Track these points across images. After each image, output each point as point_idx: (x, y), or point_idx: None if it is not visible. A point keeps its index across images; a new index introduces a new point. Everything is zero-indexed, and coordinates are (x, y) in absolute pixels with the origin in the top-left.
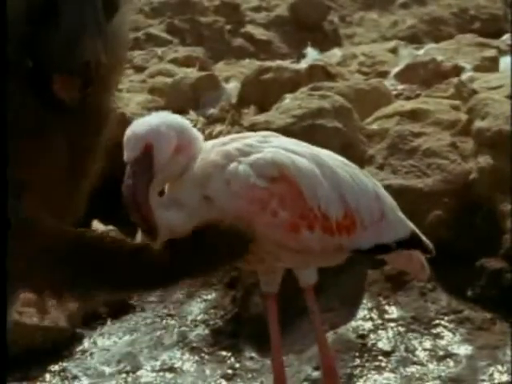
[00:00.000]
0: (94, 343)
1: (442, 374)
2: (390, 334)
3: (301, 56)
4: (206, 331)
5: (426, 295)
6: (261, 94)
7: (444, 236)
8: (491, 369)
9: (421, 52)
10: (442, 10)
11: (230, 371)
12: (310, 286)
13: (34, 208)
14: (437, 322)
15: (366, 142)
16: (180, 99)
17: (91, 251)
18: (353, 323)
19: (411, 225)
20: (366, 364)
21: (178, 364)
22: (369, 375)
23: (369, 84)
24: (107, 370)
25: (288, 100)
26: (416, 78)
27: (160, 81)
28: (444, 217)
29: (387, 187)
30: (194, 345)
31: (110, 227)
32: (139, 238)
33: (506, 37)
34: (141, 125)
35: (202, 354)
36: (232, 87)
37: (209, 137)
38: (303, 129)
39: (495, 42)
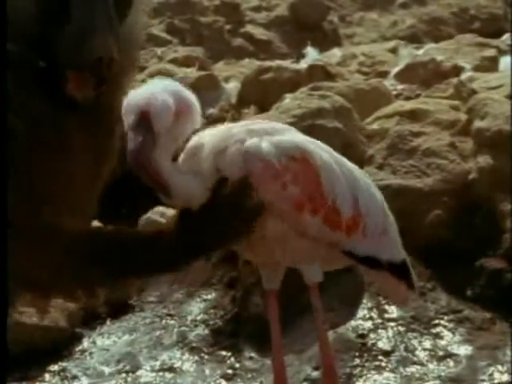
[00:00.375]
0: (94, 343)
1: (442, 374)
2: (390, 333)
3: (301, 56)
4: (206, 331)
5: (426, 295)
6: (261, 94)
7: (444, 236)
8: (491, 369)
9: (420, 52)
10: (442, 9)
11: (229, 371)
12: (315, 283)
13: (54, 212)
14: (436, 321)
15: (365, 141)
16: None
17: (113, 244)
18: (353, 323)
19: (405, 253)
20: (366, 364)
21: (177, 364)
22: (368, 375)
23: (369, 84)
24: (107, 369)
25: (288, 100)
26: (416, 77)
27: None
28: (444, 217)
29: (387, 187)
30: (194, 345)
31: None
32: None
33: (505, 37)
34: (136, 93)
35: (202, 354)
36: (232, 87)
37: None
38: (303, 129)
39: (495, 41)
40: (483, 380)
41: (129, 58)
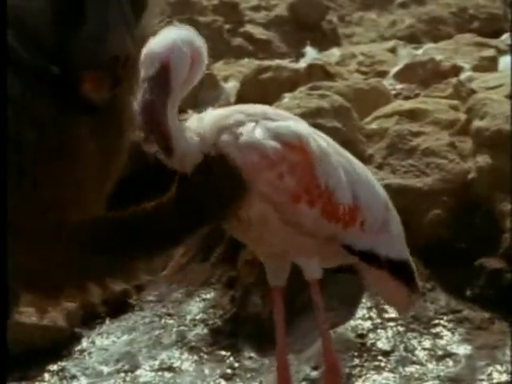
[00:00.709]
0: (93, 343)
1: (441, 374)
2: (390, 333)
3: (300, 55)
4: (205, 331)
5: (425, 295)
6: (260, 94)
7: (443, 235)
8: (490, 368)
9: (420, 52)
10: (441, 9)
11: (229, 371)
12: (315, 280)
13: (62, 212)
14: (436, 321)
15: (365, 141)
16: None
17: (113, 227)
18: (352, 322)
19: (408, 255)
20: (365, 364)
21: (176, 363)
22: (368, 375)
23: (368, 84)
24: (106, 369)
25: (287, 99)
26: (415, 77)
27: None
28: (443, 216)
29: (386, 187)
30: (193, 344)
31: None
32: None
33: (505, 36)
34: (157, 42)
35: (201, 354)
36: (231, 86)
37: None
38: None
39: (494, 41)
40: (482, 380)
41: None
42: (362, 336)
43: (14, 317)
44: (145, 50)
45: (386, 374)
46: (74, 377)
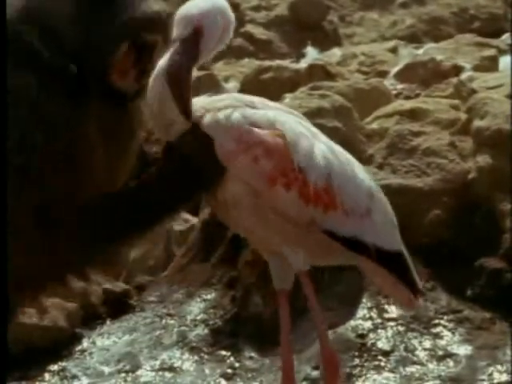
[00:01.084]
0: (94, 343)
1: (442, 374)
2: (390, 333)
3: (300, 55)
4: (206, 331)
5: (426, 295)
6: (260, 94)
7: (443, 235)
8: (490, 368)
9: (420, 52)
10: (442, 9)
11: (229, 371)
12: (303, 272)
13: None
14: (436, 321)
15: (365, 141)
16: None
17: (102, 207)
18: (352, 322)
19: (403, 249)
20: (366, 363)
21: (177, 364)
22: (368, 375)
23: (368, 83)
24: (106, 369)
25: (288, 99)
26: (415, 77)
27: None
28: (443, 216)
29: (387, 186)
30: (194, 344)
31: None
32: None
33: (505, 36)
34: (194, 6)
35: (202, 354)
36: (231, 87)
37: None
38: None
39: (495, 41)
40: (483, 380)
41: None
42: (362, 336)
43: (17, 317)
44: (181, 10)
45: (386, 374)
46: (74, 377)
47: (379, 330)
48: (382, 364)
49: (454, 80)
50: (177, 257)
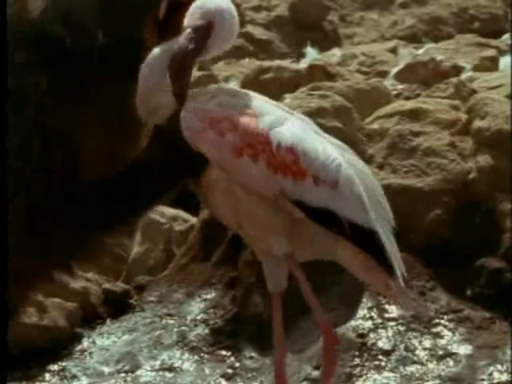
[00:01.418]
0: (94, 343)
1: (442, 374)
2: (390, 333)
3: (300, 56)
4: (206, 331)
5: (426, 294)
6: (260, 94)
7: (443, 235)
8: (491, 368)
9: (420, 52)
10: (442, 9)
11: (229, 370)
12: (285, 254)
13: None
14: (436, 321)
15: (365, 141)
16: None
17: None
18: (352, 322)
19: (377, 227)
20: (366, 363)
21: (177, 363)
22: (368, 374)
23: (368, 84)
24: (106, 369)
25: (288, 100)
26: (416, 77)
27: None
28: (443, 216)
29: (387, 186)
30: (194, 344)
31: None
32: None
33: (505, 37)
34: (211, 1)
35: (202, 354)
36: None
37: None
38: None
39: (495, 41)
40: (483, 379)
41: None
42: (362, 336)
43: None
44: (198, 2)
45: (386, 374)
46: (74, 377)
47: (379, 330)
48: (383, 364)
49: (455, 80)
50: (177, 257)
